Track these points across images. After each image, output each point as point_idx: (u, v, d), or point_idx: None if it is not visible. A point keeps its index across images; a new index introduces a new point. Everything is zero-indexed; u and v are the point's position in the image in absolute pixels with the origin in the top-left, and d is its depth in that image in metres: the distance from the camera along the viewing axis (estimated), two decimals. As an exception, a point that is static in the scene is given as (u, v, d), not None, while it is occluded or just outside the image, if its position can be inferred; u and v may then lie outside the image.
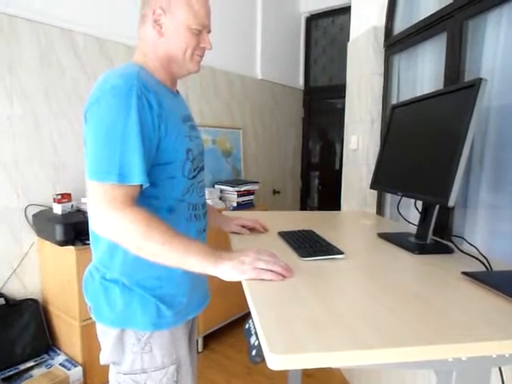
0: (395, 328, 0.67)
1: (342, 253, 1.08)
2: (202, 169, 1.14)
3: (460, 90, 1.16)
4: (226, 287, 2.62)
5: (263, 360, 0.66)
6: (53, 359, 1.99)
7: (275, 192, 4.02)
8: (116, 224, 0.86)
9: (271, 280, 0.87)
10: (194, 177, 1.07)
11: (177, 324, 1.05)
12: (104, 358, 1.06)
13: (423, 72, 1.80)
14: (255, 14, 3.61)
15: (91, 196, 0.89)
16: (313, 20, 4.22)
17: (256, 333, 0.74)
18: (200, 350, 2.56)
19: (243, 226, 1.35)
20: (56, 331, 2.10)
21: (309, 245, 1.14)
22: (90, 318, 1.98)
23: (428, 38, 1.74)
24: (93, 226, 0.91)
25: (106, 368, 1.10)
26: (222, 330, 2.76)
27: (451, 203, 1.06)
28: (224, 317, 2.72)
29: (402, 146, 1.45)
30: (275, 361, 0.59)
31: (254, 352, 0.82)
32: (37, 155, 2.10)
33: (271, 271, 0.88)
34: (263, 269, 0.87)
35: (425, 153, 1.27)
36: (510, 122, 1.31)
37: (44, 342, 2.03)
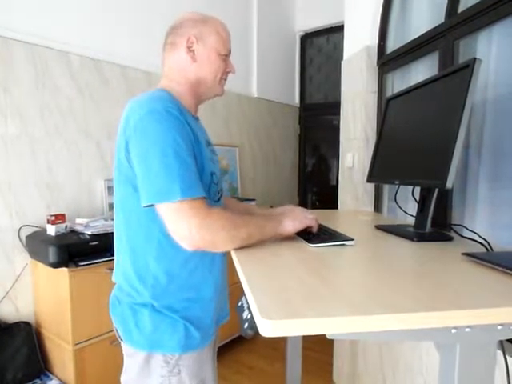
0: (394, 297, 0.65)
1: (351, 239, 1.06)
2: (223, 192, 1.17)
3: (454, 72, 1.14)
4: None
5: (256, 332, 0.62)
6: (45, 384, 1.95)
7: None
8: (211, 228, 0.89)
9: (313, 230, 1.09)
10: (219, 199, 1.10)
11: (204, 345, 1.05)
12: (127, 381, 1.05)
13: (416, 90, 1.80)
14: (251, 33, 3.66)
15: (170, 217, 0.89)
16: (308, 38, 4.28)
17: (249, 307, 0.71)
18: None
19: None
20: (48, 355, 2.05)
21: (316, 234, 1.12)
22: (83, 342, 1.94)
23: (420, 57, 1.76)
24: (187, 245, 0.90)
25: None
26: (219, 350, 2.69)
27: (449, 185, 1.04)
28: (221, 338, 2.66)
29: (397, 137, 1.43)
30: (268, 327, 0.55)
31: (245, 325, 0.79)
32: (31, 175, 2.09)
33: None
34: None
35: (420, 139, 1.25)
36: (505, 131, 1.31)
37: (36, 366, 1.99)
